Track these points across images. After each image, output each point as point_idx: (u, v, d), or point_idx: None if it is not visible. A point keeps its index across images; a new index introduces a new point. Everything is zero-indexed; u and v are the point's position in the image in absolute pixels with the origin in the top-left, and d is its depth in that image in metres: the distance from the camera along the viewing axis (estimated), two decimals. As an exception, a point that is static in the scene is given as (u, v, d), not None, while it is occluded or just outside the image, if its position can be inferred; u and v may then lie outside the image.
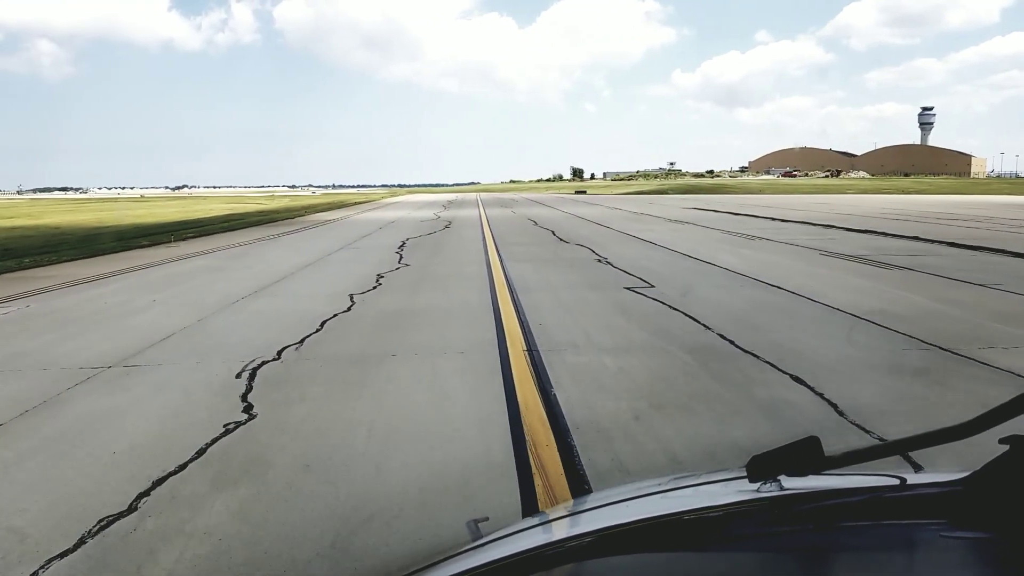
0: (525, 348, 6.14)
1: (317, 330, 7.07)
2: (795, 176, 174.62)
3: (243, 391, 5.04)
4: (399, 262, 13.22)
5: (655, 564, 0.96)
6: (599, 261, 12.74)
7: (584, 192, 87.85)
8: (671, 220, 25.80)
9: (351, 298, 8.94)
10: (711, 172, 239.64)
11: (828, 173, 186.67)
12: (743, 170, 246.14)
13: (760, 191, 75.93)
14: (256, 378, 5.37)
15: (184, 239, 19.84)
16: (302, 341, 6.57)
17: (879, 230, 19.40)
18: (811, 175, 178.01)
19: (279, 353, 6.12)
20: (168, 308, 8.51)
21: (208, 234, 22.27)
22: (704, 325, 7.02)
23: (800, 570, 0.95)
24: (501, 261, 13.01)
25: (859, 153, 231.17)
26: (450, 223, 26.17)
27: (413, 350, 6.19)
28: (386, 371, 5.51)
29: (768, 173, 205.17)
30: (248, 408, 4.66)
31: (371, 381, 5.25)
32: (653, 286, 9.55)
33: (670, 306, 8.08)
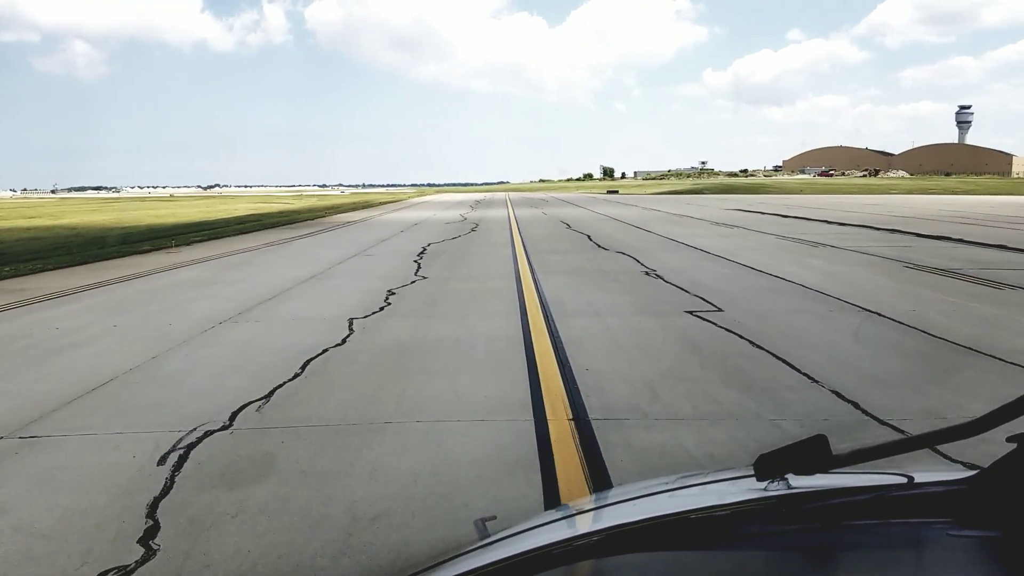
0: (570, 416, 4.40)
1: (296, 375, 5.43)
2: (832, 175, 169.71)
3: (157, 493, 3.40)
4: (416, 273, 11.56)
5: (662, 563, 0.93)
6: (647, 274, 10.93)
7: (616, 192, 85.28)
8: (717, 223, 23.80)
9: (350, 325, 7.29)
10: (745, 171, 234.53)
11: (866, 172, 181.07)
12: (777, 169, 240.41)
13: (800, 191, 73.00)
14: (186, 465, 3.74)
15: (189, 243, 18.40)
16: (270, 395, 4.92)
17: (952, 236, 17.28)
18: (848, 174, 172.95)
19: (233, 416, 4.48)
20: (124, 337, 6.94)
21: (218, 237, 20.87)
22: (807, 375, 5.24)
23: (807, 568, 0.91)
24: (533, 273, 11.28)
25: (896, 152, 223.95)
26: (477, 225, 24.51)
27: (414, 414, 4.51)
28: (371, 457, 3.82)
29: (803, 172, 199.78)
30: (150, 534, 3.02)
31: (346, 476, 3.57)
32: (721, 310, 7.75)
33: (751, 341, 6.30)
